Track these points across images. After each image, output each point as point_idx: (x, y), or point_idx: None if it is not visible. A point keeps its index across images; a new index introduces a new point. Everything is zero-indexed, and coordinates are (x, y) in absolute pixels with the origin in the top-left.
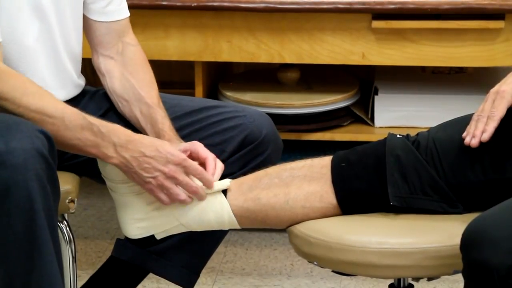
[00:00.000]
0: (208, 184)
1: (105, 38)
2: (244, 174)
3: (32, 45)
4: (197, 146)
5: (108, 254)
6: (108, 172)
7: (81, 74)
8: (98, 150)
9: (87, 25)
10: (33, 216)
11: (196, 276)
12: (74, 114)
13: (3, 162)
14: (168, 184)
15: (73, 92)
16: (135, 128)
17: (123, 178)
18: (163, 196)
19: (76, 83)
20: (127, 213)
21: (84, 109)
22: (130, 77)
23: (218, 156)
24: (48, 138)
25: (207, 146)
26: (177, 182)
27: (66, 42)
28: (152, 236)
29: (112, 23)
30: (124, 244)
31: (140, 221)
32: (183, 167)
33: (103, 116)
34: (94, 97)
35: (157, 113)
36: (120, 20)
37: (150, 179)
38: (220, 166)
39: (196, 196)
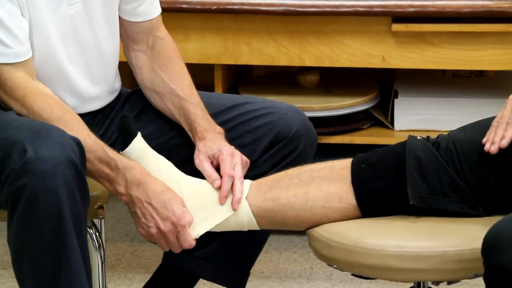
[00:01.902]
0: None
1: (137, 35)
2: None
3: (67, 62)
4: (224, 160)
5: (127, 256)
6: None
7: (117, 75)
8: (111, 184)
9: (119, 22)
10: (61, 223)
11: (245, 276)
12: (95, 146)
13: (32, 169)
14: (158, 237)
15: (107, 99)
16: (172, 126)
17: None
18: (148, 237)
19: (111, 89)
20: None
21: (118, 113)
22: (160, 71)
23: (249, 156)
24: (79, 145)
25: (238, 147)
26: (166, 239)
27: (101, 51)
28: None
29: (143, 22)
30: (171, 251)
31: None
32: (177, 230)
33: (139, 114)
34: (129, 100)
35: (188, 104)
36: (151, 19)
37: (144, 226)
38: (240, 190)
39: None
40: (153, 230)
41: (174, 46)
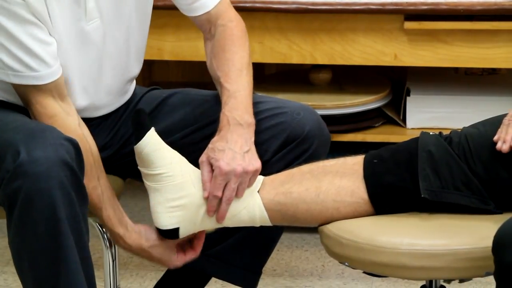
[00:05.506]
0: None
1: (201, 27)
2: None
3: (78, 72)
4: (214, 178)
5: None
6: (143, 161)
7: (132, 82)
8: None
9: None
10: (56, 224)
11: (258, 276)
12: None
13: (25, 171)
14: None
15: (118, 104)
16: (186, 124)
17: (158, 165)
18: None
19: (123, 96)
20: (160, 203)
21: (131, 112)
22: (214, 60)
23: (261, 156)
24: (74, 145)
25: None
26: None
27: (115, 64)
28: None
29: (201, 15)
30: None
31: (173, 211)
32: None
33: (152, 113)
34: (143, 98)
35: (224, 91)
36: (208, 11)
37: None
38: (224, 210)
39: None
40: None
41: (232, 31)
